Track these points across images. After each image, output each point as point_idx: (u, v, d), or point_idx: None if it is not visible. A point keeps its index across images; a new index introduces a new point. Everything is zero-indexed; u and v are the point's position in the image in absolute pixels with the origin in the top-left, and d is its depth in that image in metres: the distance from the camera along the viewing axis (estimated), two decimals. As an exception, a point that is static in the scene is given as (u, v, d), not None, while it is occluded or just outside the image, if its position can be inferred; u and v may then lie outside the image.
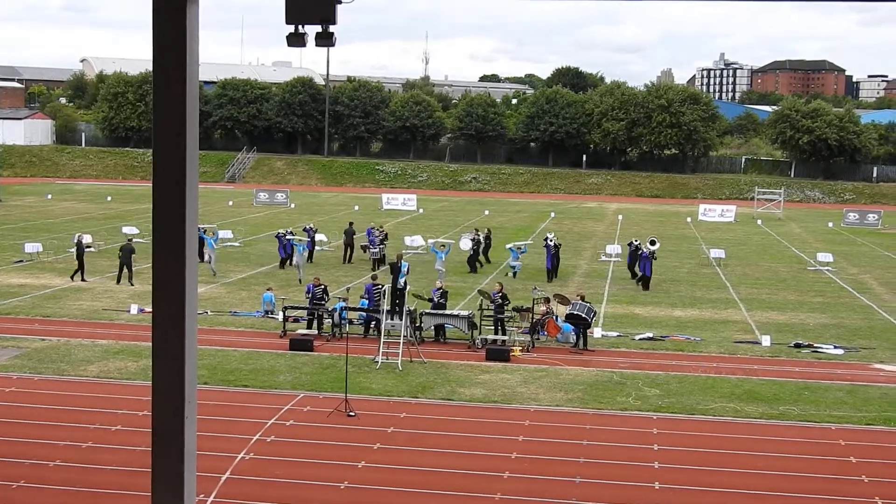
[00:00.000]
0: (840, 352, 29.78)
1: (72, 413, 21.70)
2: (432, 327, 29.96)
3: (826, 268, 48.05)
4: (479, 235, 44.49)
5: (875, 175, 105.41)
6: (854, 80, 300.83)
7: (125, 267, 38.57)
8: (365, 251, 44.64)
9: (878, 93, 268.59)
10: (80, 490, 17.23)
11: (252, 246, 48.82)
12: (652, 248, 40.91)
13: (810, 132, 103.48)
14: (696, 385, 25.38)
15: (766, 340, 30.64)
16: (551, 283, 39.54)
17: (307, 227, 46.07)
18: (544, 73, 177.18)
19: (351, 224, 47.56)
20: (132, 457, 18.29)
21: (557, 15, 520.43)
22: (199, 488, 15.75)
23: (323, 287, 31.27)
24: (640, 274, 40.52)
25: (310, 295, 31.05)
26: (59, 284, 37.90)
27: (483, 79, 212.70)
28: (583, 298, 30.88)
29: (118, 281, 38.44)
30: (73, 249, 39.46)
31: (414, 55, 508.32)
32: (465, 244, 42.82)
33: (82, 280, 38.14)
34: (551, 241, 42.01)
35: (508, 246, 42.74)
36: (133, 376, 24.76)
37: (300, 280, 38.20)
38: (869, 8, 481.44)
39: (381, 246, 44.01)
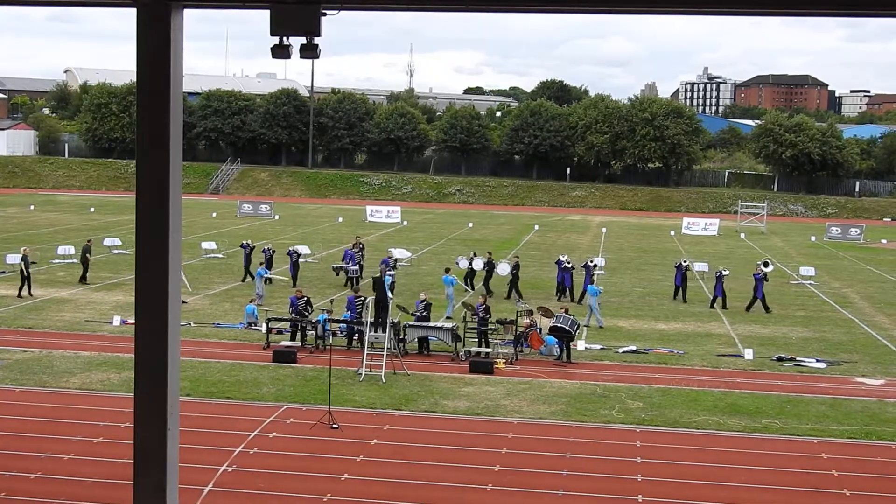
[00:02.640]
0: (822, 365, 29.88)
1: (53, 425, 21.58)
2: (416, 339, 29.95)
3: (808, 281, 48.26)
4: (518, 260, 42.76)
5: (857, 189, 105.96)
6: (836, 94, 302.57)
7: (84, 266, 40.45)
8: (338, 273, 42.65)
9: (860, 108, 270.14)
10: (62, 502, 17.12)
11: (235, 257, 48.73)
12: (766, 269, 40.54)
13: (793, 146, 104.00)
14: (679, 398, 25.42)
15: (748, 354, 30.72)
16: (570, 303, 39.02)
17: (244, 243, 44.35)
18: (529, 86, 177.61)
19: (357, 238, 46.79)
20: (114, 469, 18.20)
21: (543, 29, 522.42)
22: (181, 500, 15.67)
23: (306, 299, 31.23)
24: (753, 297, 39.56)
25: (293, 307, 31.00)
26: (42, 296, 37.72)
27: (468, 91, 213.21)
28: (567, 311, 30.90)
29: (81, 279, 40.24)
30: (21, 263, 38.94)
31: (399, 68, 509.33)
32: (504, 269, 41.70)
33: (29, 294, 37.70)
34: (567, 262, 41.52)
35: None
36: (116, 388, 24.65)
37: (256, 299, 36.41)
38: (855, 24, 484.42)
39: (360, 265, 42.84)
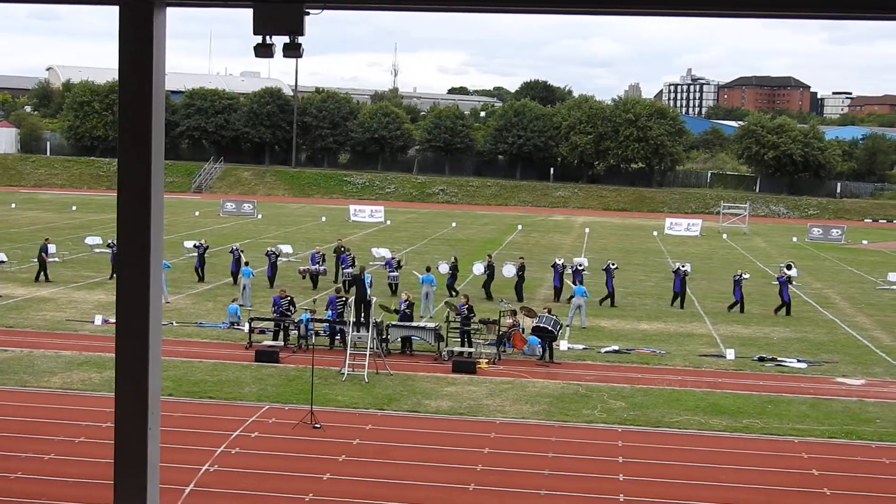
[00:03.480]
0: (803, 365, 30.01)
1: (34, 425, 21.47)
2: (399, 339, 29.94)
3: (778, 280, 48.37)
4: (523, 261, 42.31)
5: (839, 191, 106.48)
6: (819, 96, 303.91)
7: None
8: (304, 277, 41.92)
9: (842, 110, 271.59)
10: (43, 503, 17.04)
11: (218, 257, 48.61)
12: (789, 272, 40.47)
13: (775, 147, 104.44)
14: (661, 398, 25.49)
15: (730, 354, 30.83)
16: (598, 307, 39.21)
17: (233, 248, 43.46)
18: (514, 86, 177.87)
19: (339, 241, 46.44)
20: (95, 469, 18.13)
21: (528, 29, 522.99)
22: (163, 500, 15.63)
23: (289, 298, 31.18)
24: (780, 302, 39.50)
25: (276, 307, 30.95)
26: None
27: (452, 91, 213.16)
28: (549, 311, 30.94)
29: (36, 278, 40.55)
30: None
31: (384, 67, 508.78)
32: (509, 271, 41.44)
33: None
34: (582, 266, 41.30)
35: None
36: (97, 388, 24.56)
37: (243, 303, 35.74)
38: (838, 27, 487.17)
39: (324, 269, 42.19)
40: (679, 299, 40.23)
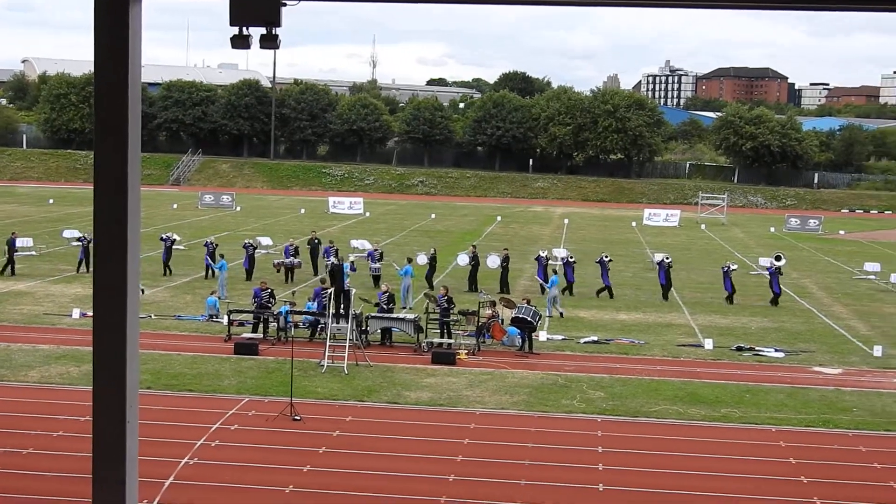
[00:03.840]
0: (781, 355, 30.20)
1: (12, 419, 21.37)
2: (378, 331, 29.94)
3: (768, 272, 48.64)
4: (507, 252, 41.87)
5: (816, 181, 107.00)
6: (796, 87, 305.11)
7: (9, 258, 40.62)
8: (278, 270, 41.43)
9: (819, 100, 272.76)
10: (20, 497, 16.97)
11: (197, 249, 48.43)
12: (778, 263, 40.57)
13: (753, 138, 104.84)
14: (639, 388, 25.60)
15: (708, 343, 30.98)
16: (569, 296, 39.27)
17: (207, 241, 43.07)
18: (493, 77, 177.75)
19: (314, 233, 46.31)
20: (74, 463, 18.06)
21: (507, 20, 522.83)
22: (142, 494, 15.61)
23: (269, 290, 31.12)
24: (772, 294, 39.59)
25: (257, 299, 30.89)
26: None
27: (430, 83, 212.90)
28: (528, 302, 31.00)
29: (1, 272, 40.28)
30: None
31: (363, 59, 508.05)
32: (494, 262, 41.39)
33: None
34: (570, 257, 41.26)
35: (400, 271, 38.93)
36: (75, 381, 24.46)
37: (221, 297, 35.23)
38: (816, 18, 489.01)
39: (298, 262, 42.03)
40: (664, 291, 40.18)
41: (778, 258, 41.46)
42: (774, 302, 39.20)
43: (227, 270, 37.94)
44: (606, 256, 41.28)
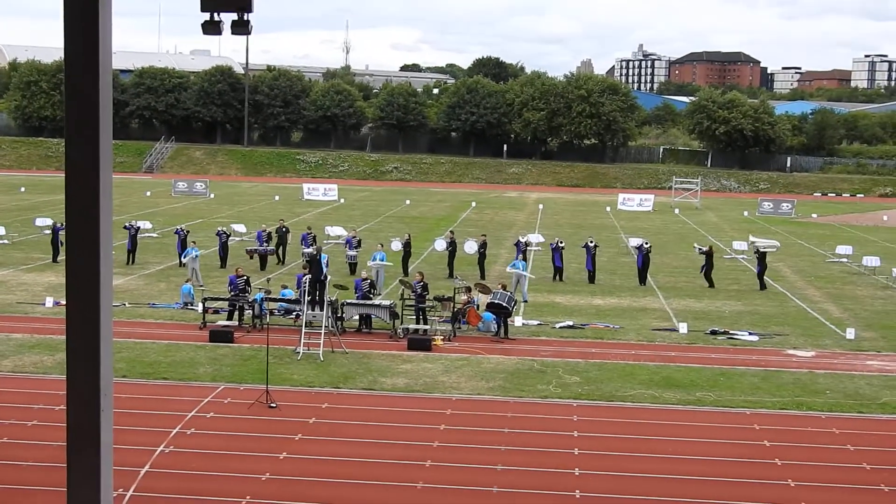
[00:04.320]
0: (755, 338, 30.38)
1: (-15, 408, 21.23)
2: (354, 317, 29.91)
3: (741, 256, 48.98)
4: (486, 238, 41.85)
5: (789, 165, 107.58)
6: (769, 71, 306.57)
7: None
8: (251, 257, 41.29)
9: (791, 84, 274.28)
10: (-6, 487, 16.88)
11: (171, 237, 48.22)
12: (761, 245, 40.57)
13: (726, 123, 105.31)
14: (615, 372, 25.70)
15: (683, 328, 31.13)
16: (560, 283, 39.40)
17: (178, 228, 43.11)
18: (468, 63, 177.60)
19: (282, 222, 45.98)
20: (48, 452, 17.97)
21: (482, 6, 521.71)
22: (118, 482, 15.55)
23: (245, 278, 31.02)
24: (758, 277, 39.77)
25: (232, 286, 30.78)
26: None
27: (404, 68, 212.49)
28: (504, 287, 31.03)
29: None
30: None
31: (337, 45, 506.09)
32: (471, 247, 41.34)
33: None
34: (560, 243, 41.01)
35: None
36: (49, 370, 24.31)
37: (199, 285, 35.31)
38: (788, 2, 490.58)
39: (271, 249, 42.06)
40: (641, 275, 40.28)
41: (768, 247, 41.76)
42: (760, 285, 39.44)
43: (200, 258, 37.62)
44: (592, 241, 41.30)
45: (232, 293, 30.66)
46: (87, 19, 6.41)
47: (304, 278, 30.27)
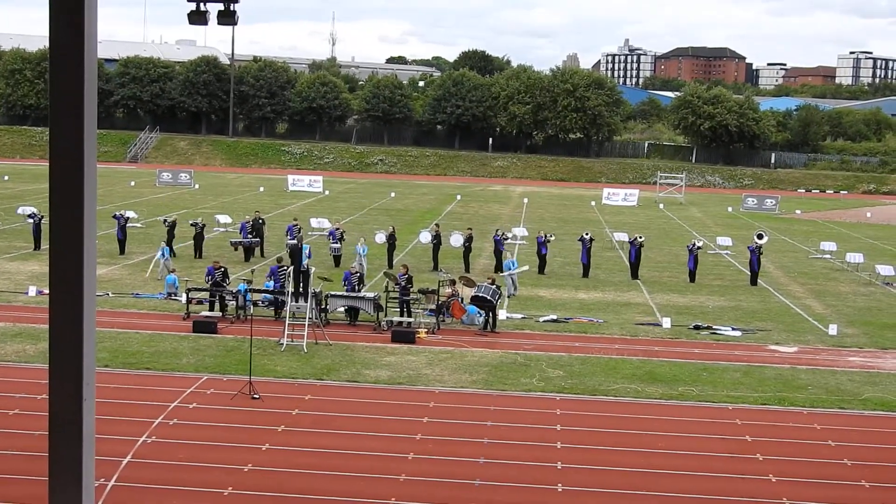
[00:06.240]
0: (737, 333, 30.49)
1: (-34, 397, 21.14)
2: (340, 309, 29.89)
3: (725, 251, 49.13)
4: (471, 232, 41.85)
5: (773, 161, 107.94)
6: (754, 67, 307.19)
7: None
8: (236, 248, 41.00)
9: (776, 80, 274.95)
10: (-25, 476, 16.82)
11: (155, 227, 48.05)
12: (760, 241, 40.41)
13: (711, 118, 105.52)
14: (598, 366, 25.76)
15: (666, 322, 31.21)
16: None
17: (165, 218, 43.02)
18: (454, 56, 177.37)
19: (257, 213, 45.82)
20: (30, 441, 17.91)
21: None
22: (100, 472, 15.50)
23: (223, 269, 30.96)
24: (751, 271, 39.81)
25: (210, 277, 30.71)
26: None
27: (390, 61, 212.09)
28: (493, 281, 31.05)
29: None
30: None
31: (323, 37, 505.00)
32: (457, 240, 41.29)
33: None
34: (587, 235, 40.93)
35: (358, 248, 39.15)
36: (31, 359, 24.22)
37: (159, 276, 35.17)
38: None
39: (246, 241, 41.53)
40: (633, 269, 40.39)
41: (760, 236, 41.69)
42: (753, 281, 39.55)
43: (178, 249, 37.36)
44: (587, 234, 41.22)
45: (210, 285, 30.57)
46: (73, 8, 6.38)
47: (280, 270, 30.25)
